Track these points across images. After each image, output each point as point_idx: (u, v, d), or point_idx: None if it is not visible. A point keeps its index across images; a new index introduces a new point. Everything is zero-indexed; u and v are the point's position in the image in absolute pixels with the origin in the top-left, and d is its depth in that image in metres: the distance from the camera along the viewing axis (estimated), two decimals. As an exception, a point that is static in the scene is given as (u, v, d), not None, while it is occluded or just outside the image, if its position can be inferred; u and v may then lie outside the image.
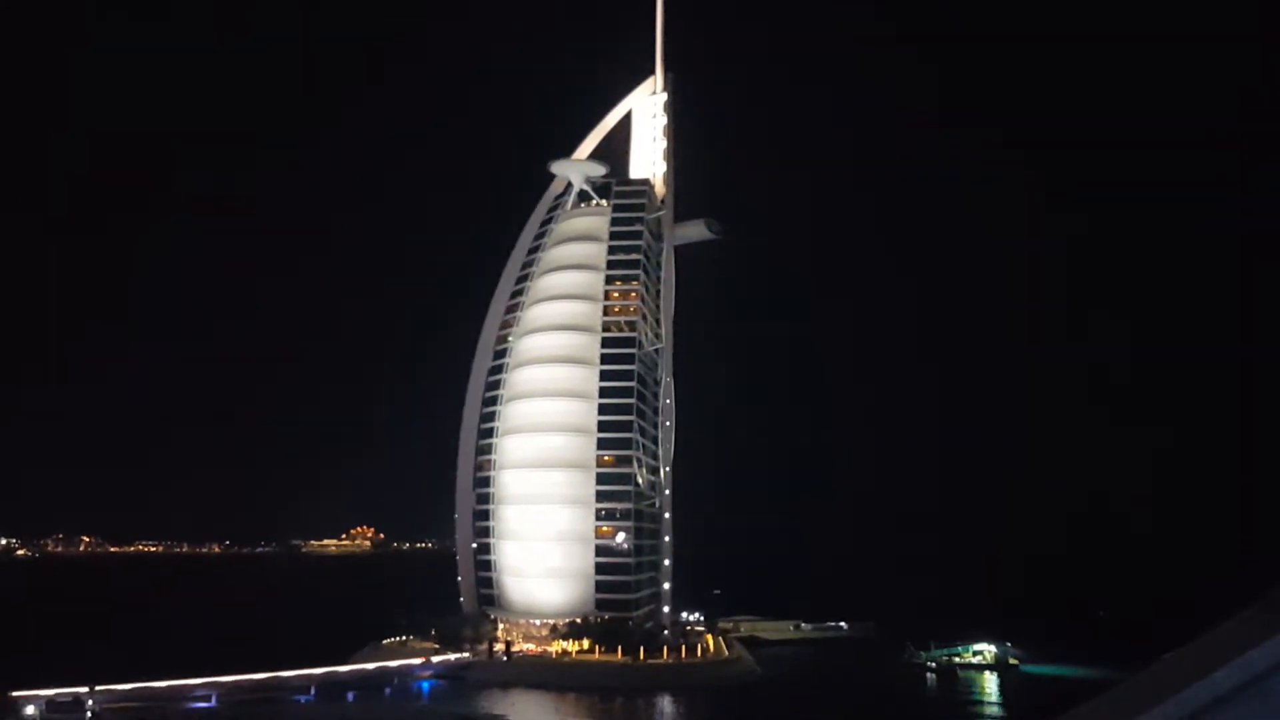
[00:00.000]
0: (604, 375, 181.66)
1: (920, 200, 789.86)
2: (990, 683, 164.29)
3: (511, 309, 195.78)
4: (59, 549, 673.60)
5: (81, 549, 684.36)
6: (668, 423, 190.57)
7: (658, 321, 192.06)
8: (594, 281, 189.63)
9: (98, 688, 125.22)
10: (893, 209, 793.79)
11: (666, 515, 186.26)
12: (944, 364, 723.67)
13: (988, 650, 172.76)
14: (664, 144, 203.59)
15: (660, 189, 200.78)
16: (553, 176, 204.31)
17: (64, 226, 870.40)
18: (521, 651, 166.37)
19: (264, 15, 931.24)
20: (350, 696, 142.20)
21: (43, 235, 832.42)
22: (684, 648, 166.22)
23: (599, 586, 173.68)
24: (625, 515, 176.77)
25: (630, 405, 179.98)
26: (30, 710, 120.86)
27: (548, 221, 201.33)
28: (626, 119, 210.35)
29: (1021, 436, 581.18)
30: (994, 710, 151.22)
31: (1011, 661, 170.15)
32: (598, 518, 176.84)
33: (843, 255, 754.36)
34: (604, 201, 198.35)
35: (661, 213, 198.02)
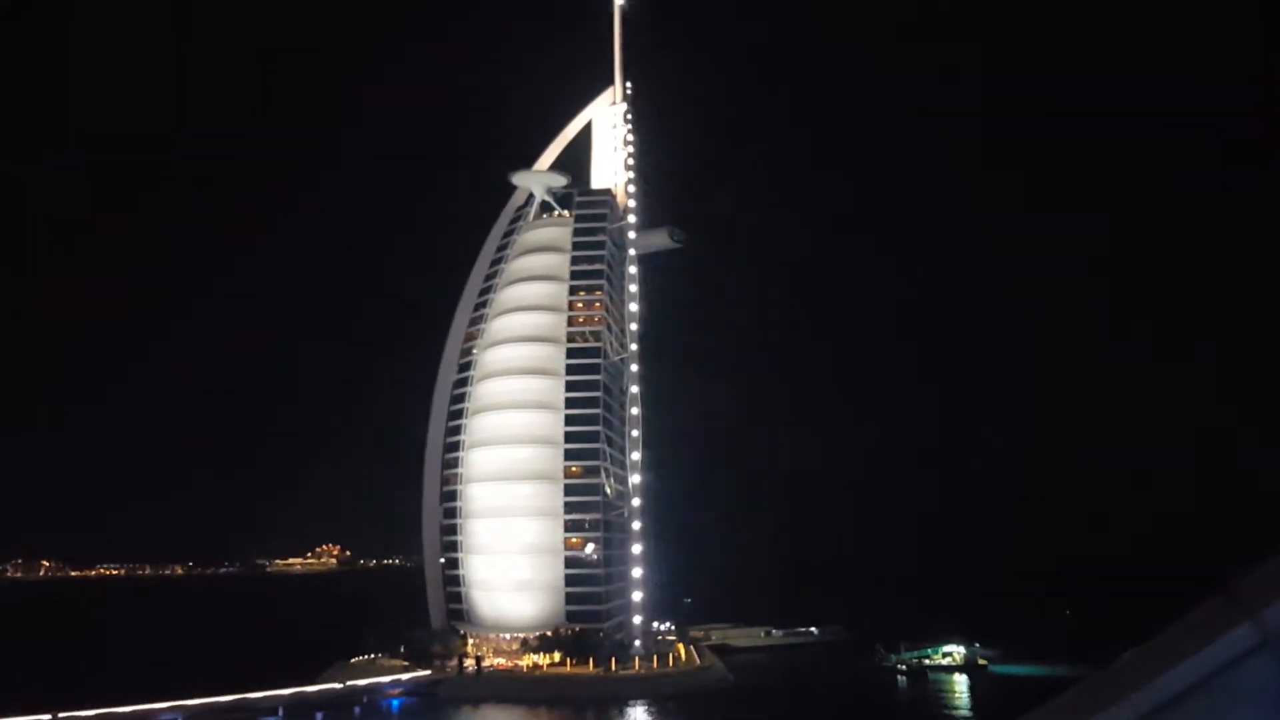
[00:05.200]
0: (570, 386, 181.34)
1: (892, 199, 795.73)
2: (960, 683, 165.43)
3: (475, 321, 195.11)
4: (18, 574, 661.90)
5: (41, 573, 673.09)
6: (635, 432, 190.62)
7: (623, 331, 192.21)
8: (558, 292, 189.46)
9: (61, 714, 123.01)
10: (862, 210, 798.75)
11: (636, 525, 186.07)
12: (920, 366, 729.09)
13: (957, 651, 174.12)
14: (624, 154, 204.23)
15: (622, 198, 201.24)
16: (514, 188, 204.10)
17: (22, 248, 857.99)
18: (492, 666, 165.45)
19: (233, 24, 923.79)
20: (319, 717, 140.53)
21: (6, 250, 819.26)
22: (655, 657, 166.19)
23: (569, 598, 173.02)
24: (594, 526, 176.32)
25: (597, 416, 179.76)
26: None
27: (510, 233, 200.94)
28: (587, 129, 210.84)
29: (1006, 435, 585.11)
30: (964, 710, 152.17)
31: (980, 662, 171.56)
32: (566, 529, 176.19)
33: (810, 259, 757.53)
34: (566, 212, 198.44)
35: (624, 222, 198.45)
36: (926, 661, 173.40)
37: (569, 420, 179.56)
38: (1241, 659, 4.79)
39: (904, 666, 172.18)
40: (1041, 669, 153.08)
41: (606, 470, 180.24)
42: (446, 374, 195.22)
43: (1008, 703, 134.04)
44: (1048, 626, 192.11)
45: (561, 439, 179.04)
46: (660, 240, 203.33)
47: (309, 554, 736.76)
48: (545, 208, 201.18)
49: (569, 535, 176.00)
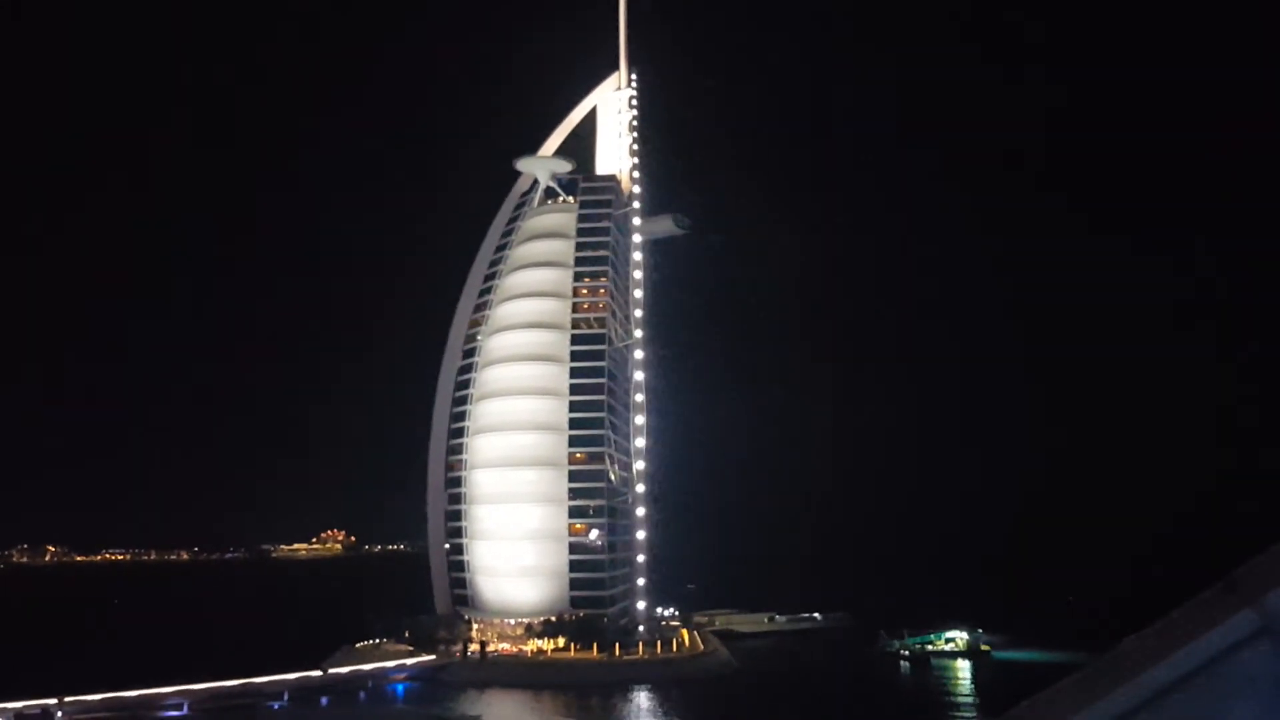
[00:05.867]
0: (574, 372, 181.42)
1: (893, 186, 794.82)
2: (963, 669, 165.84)
3: (480, 307, 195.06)
4: (24, 559, 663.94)
5: (47, 558, 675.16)
6: (639, 419, 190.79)
7: (627, 317, 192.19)
8: (562, 278, 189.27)
9: (67, 699, 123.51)
10: (863, 196, 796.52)
11: (639, 511, 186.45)
12: (922, 353, 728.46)
13: (960, 638, 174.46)
14: (630, 139, 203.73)
15: (627, 184, 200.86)
16: (519, 174, 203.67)
17: (30, 230, 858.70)
18: (497, 651, 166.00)
19: (229, 14, 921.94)
20: (324, 701, 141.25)
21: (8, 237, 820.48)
22: (659, 643, 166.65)
23: (573, 584, 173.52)
24: (598, 512, 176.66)
25: (601, 402, 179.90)
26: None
27: (515, 219, 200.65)
28: (592, 115, 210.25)
29: (1005, 427, 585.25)
30: (967, 697, 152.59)
31: (983, 648, 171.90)
32: (571, 515, 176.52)
33: (814, 246, 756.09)
34: (571, 198, 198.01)
35: (629, 208, 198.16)
36: (929, 648, 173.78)
37: (573, 406, 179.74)
38: (1242, 645, 4.82)
39: (907, 652, 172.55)
40: (1044, 655, 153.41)
41: (611, 457, 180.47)
42: (451, 360, 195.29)
43: (1010, 689, 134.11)
44: (1050, 613, 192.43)
45: (566, 425, 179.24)
46: (665, 226, 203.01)
47: (314, 539, 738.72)
48: (550, 193, 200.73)
49: (573, 521, 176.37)
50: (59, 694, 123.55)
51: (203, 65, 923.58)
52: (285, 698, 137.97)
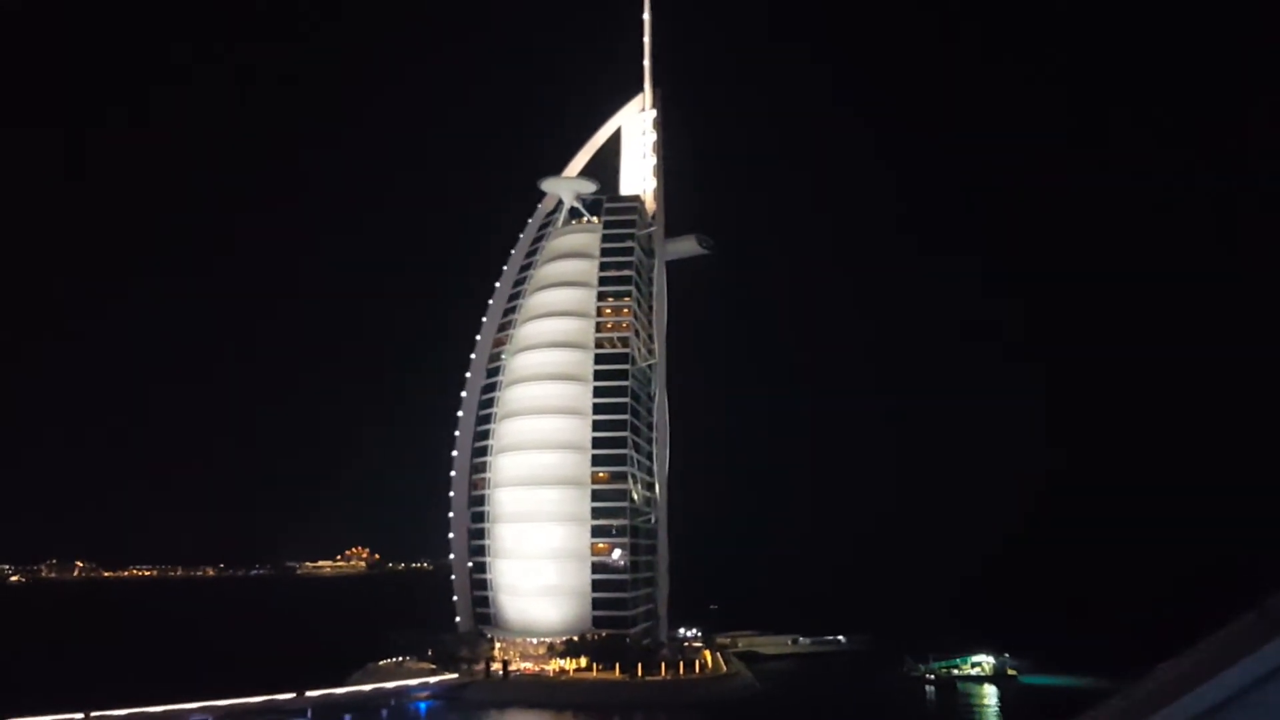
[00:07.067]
0: (597, 392, 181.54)
1: (912, 211, 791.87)
2: (989, 694, 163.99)
3: (504, 327, 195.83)
4: (53, 574, 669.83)
5: (75, 574, 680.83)
6: (662, 438, 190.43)
7: (650, 337, 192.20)
8: (586, 298, 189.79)
9: (94, 713, 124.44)
10: (883, 220, 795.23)
11: (662, 531, 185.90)
12: (942, 373, 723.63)
13: (986, 662, 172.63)
14: (654, 160, 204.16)
15: (651, 205, 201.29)
16: (543, 194, 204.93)
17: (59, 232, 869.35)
18: (519, 670, 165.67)
19: (255, 29, 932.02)
20: (347, 718, 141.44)
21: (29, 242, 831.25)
22: (682, 664, 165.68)
23: (595, 604, 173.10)
24: (621, 531, 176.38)
25: (624, 421, 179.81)
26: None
27: (539, 239, 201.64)
28: (616, 136, 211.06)
29: (1028, 440, 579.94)
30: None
31: (1010, 672, 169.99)
32: (593, 535, 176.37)
33: (833, 267, 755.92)
34: (595, 218, 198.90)
35: (652, 228, 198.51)
36: (955, 672, 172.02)
37: (596, 426, 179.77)
38: (1275, 675, 4.78)
39: (932, 676, 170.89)
40: (1072, 680, 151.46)
41: (634, 476, 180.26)
42: (475, 378, 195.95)
43: (1037, 714, 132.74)
44: (1078, 637, 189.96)
45: (589, 444, 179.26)
46: (689, 246, 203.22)
47: (338, 557, 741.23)
48: (574, 214, 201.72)
49: (596, 541, 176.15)
50: (85, 709, 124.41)
51: (219, 85, 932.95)
52: (308, 714, 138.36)
